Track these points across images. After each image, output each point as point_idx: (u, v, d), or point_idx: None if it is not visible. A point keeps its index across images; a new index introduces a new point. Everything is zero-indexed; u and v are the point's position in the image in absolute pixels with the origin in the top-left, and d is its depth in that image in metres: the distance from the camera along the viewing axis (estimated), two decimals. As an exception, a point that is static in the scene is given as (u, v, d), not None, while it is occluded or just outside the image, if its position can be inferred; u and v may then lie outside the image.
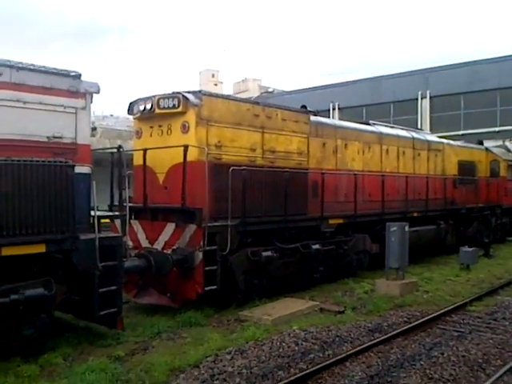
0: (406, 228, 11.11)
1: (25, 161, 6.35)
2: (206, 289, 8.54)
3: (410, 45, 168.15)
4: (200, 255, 8.50)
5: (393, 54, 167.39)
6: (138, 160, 9.54)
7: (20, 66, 6.72)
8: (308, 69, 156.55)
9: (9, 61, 6.70)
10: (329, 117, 26.74)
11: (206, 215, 8.52)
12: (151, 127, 9.48)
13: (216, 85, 72.66)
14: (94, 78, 7.86)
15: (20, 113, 6.62)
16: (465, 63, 30.48)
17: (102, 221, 8.08)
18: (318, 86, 36.68)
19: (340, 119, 22.32)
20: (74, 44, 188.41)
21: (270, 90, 40.58)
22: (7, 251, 6.18)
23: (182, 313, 8.61)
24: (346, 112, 32.62)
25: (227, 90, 65.35)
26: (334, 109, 34.31)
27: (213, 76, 77.06)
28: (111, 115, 34.99)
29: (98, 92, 7.48)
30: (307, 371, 6.13)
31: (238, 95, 43.14)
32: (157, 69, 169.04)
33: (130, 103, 9.69)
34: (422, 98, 31.37)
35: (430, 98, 31.13)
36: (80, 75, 7.29)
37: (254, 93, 45.72)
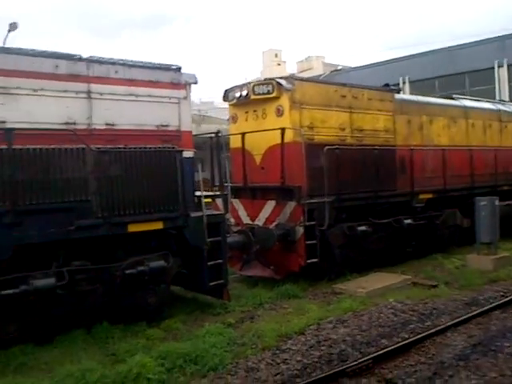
0: (496, 202, 10.92)
1: (140, 148, 7.02)
2: (308, 261, 9.01)
3: (481, 13, 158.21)
4: (301, 230, 8.98)
5: (462, 23, 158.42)
6: (235, 143, 10.15)
7: (131, 63, 7.36)
8: (371, 43, 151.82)
9: (122, 59, 7.33)
10: (399, 91, 26.00)
11: (304, 192, 8.98)
12: (246, 112, 9.99)
13: (279, 64, 71.84)
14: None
15: (134, 106, 7.27)
16: (544, 28, 28.57)
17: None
18: (385, 60, 35.51)
19: (411, 93, 21.83)
20: (142, 32, 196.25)
21: (339, 67, 39.70)
22: (132, 228, 6.94)
23: (279, 286, 9.05)
24: (417, 85, 31.60)
25: (291, 69, 64.67)
26: (404, 82, 33.29)
27: (276, 56, 76.21)
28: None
29: (196, 82, 7.96)
30: (410, 339, 6.36)
31: (302, 74, 42.73)
32: (222, 51, 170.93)
33: (226, 90, 10.25)
34: (498, 67, 29.79)
35: (508, 66, 29.49)
36: (180, 68, 7.80)
37: (318, 71, 44.63)
